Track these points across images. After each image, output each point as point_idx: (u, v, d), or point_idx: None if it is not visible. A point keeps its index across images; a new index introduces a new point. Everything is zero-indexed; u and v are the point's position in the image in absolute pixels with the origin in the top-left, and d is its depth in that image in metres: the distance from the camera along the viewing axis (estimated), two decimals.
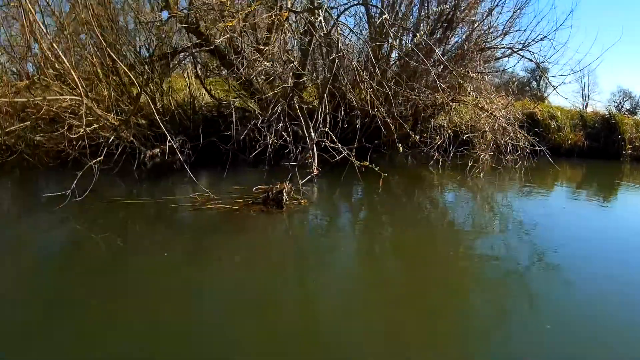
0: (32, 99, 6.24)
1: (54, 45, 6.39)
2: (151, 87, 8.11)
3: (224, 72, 8.64)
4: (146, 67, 7.78)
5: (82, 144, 7.31)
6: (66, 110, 6.74)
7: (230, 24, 6.98)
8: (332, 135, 6.69)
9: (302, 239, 5.26)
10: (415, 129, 8.62)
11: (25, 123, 6.79)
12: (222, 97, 8.59)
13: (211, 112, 8.49)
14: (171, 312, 3.29)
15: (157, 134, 8.11)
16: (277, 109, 7.36)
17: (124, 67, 6.35)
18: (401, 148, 7.04)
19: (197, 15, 7.79)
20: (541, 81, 15.78)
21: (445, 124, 9.38)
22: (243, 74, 7.33)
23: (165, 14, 8.48)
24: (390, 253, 4.94)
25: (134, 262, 4.24)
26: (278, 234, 5.34)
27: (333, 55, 6.24)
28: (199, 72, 8.65)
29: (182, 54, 8.59)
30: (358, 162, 6.80)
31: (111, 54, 6.40)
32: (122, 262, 4.25)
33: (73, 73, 5.85)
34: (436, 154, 9.11)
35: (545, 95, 14.30)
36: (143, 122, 7.57)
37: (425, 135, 9.03)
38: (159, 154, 7.94)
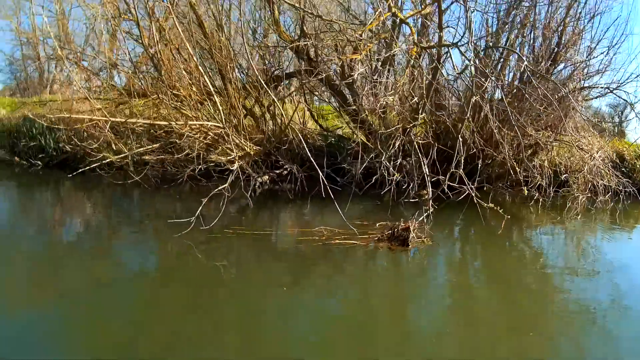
0: (174, 123, 6.17)
1: (200, 69, 6.33)
2: (261, 110, 8.08)
3: (332, 101, 8.58)
4: (261, 91, 7.77)
5: (199, 167, 7.31)
6: (193, 135, 6.68)
7: (356, 57, 6.90)
8: (462, 174, 6.53)
9: (425, 277, 5.33)
10: (519, 167, 8.45)
11: (154, 145, 6.74)
12: (331, 127, 8.50)
13: (316, 140, 8.40)
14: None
15: (264, 161, 8.05)
16: (396, 144, 7.24)
17: (268, 90, 6.24)
18: (526, 191, 6.88)
19: (310, 43, 7.77)
20: (622, 117, 15.57)
21: (546, 164, 9.17)
22: (364, 106, 7.24)
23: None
24: (496, 290, 5.04)
25: (255, 295, 4.32)
26: (403, 272, 5.41)
27: (475, 98, 6.10)
28: (307, 99, 8.57)
29: (290, 79, 8.55)
30: (486, 205, 6.68)
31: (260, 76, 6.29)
32: (245, 293, 4.35)
33: (217, 100, 5.78)
34: (536, 194, 8.90)
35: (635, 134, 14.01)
36: (257, 148, 7.50)
37: (526, 174, 8.83)
38: (267, 181, 7.86)
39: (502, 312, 4.39)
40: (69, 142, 9.62)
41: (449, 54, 6.86)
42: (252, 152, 6.84)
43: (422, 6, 6.86)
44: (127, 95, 8.74)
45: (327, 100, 9.06)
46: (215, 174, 7.62)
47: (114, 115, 6.24)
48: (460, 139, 6.34)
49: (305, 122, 8.48)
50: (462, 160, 6.51)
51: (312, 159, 5.42)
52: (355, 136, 8.04)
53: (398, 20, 7.09)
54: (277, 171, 7.79)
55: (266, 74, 8.20)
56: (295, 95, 8.73)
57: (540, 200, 9.18)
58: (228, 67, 7.76)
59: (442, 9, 6.71)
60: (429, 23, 7.49)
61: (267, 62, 8.32)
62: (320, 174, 5.14)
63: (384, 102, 6.85)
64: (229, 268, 5.05)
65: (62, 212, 8.19)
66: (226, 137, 5.91)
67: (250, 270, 5.07)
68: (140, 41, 8.03)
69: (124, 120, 5.93)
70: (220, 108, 5.87)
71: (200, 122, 6.22)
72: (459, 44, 6.55)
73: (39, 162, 10.68)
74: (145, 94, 7.76)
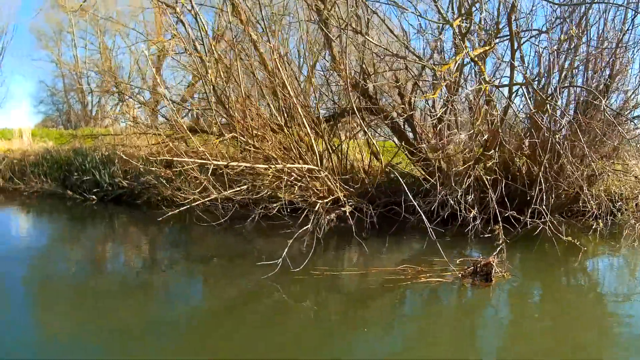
0: (273, 167, 6.22)
1: (301, 111, 6.41)
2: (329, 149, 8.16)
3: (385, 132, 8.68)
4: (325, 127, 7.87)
5: (275, 206, 7.39)
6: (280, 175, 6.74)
7: (432, 96, 7.01)
8: (543, 209, 6.62)
9: (513, 310, 5.48)
10: (585, 198, 8.53)
11: (242, 187, 6.79)
12: (393, 164, 8.58)
13: (378, 176, 8.47)
14: None
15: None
16: (467, 181, 7.32)
17: (365, 129, 6.31)
18: (601, 224, 7.02)
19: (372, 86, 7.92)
20: None
21: (602, 193, 9.23)
22: (431, 144, 7.33)
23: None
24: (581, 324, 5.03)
25: (339, 337, 4.37)
26: (494, 307, 5.54)
27: (557, 137, 6.21)
28: (369, 137, 8.66)
29: (351, 116, 8.66)
30: (565, 238, 6.88)
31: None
32: (328, 335, 4.39)
33: (314, 144, 5.85)
34: (594, 223, 8.94)
35: None
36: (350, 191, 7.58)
37: (585, 204, 8.88)
38: (334, 218, 7.90)
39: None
40: (125, 178, 9.72)
41: (520, 91, 6.97)
42: (342, 195, 6.90)
43: (492, 43, 6.96)
44: (191, 132, 8.84)
45: (378, 133, 9.17)
46: (286, 212, 7.67)
47: (216, 158, 6.25)
48: (542, 176, 6.43)
49: (366, 159, 8.58)
50: (544, 196, 6.61)
51: (411, 198, 5.51)
52: (417, 172, 8.12)
53: (467, 59, 7.21)
54: (344, 208, 7.83)
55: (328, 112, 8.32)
56: (358, 132, 8.83)
57: (598, 229, 9.27)
58: (292, 105, 7.86)
59: (515, 47, 6.82)
60: (497, 60, 7.60)
61: (328, 99, 8.42)
62: (422, 214, 5.25)
63: (457, 141, 6.94)
64: (310, 308, 5.12)
65: (119, 247, 8.26)
66: (318, 179, 5.98)
67: (335, 311, 5.13)
68: (207, 79, 8.13)
69: (225, 163, 5.96)
70: (316, 149, 5.94)
71: (300, 166, 6.29)
72: (532, 81, 6.68)
73: (94, 197, 10.73)
74: (210, 131, 7.85)
